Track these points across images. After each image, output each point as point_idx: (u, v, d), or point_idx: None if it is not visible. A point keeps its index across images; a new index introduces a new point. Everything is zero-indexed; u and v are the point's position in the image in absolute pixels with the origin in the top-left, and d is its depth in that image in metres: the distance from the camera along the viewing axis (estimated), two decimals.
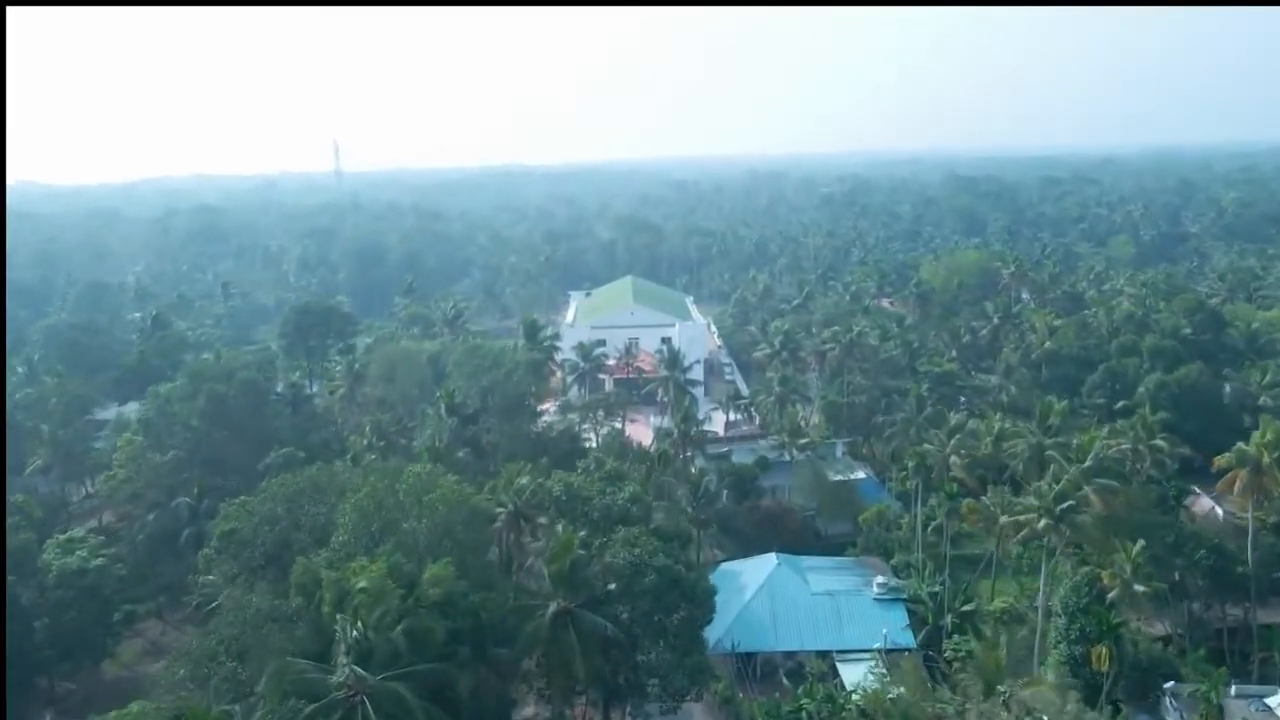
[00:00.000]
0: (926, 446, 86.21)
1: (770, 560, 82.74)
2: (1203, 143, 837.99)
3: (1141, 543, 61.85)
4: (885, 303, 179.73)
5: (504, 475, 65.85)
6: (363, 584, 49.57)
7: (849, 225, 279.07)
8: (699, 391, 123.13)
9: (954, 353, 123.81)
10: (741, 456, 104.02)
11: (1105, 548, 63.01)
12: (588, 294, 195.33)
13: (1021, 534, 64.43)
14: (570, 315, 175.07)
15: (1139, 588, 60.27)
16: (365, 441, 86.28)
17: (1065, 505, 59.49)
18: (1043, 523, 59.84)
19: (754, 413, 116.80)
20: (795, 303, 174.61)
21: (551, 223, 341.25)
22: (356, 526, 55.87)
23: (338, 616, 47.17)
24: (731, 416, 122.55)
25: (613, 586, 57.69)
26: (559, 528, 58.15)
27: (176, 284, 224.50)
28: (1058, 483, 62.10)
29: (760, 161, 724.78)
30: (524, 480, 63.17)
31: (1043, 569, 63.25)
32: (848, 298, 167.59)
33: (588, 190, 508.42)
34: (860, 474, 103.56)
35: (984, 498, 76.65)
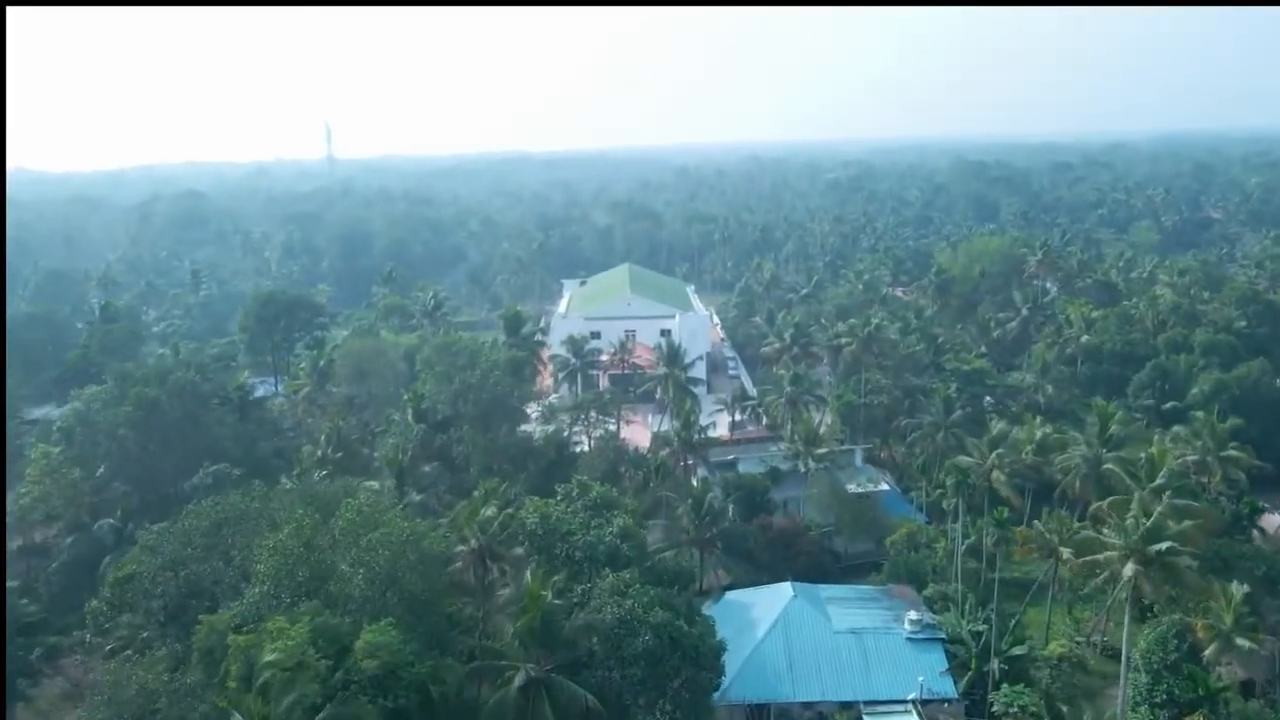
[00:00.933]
0: (963, 459, 75.03)
1: (785, 591, 71.72)
2: (1211, 129, 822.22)
3: (1245, 587, 50.71)
4: (899, 292, 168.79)
5: (468, 505, 54.63)
6: (272, 656, 38.59)
7: (857, 211, 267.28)
8: (701, 390, 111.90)
9: (983, 348, 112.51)
10: (749, 465, 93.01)
11: (1200, 591, 51.77)
12: (582, 283, 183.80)
13: (1100, 578, 53.02)
14: (563, 306, 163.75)
15: (1242, 642, 49.14)
16: (319, 453, 75.18)
17: (1162, 547, 47.92)
18: (1130, 567, 48.46)
19: (763, 413, 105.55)
20: (804, 292, 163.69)
21: (547, 208, 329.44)
22: (278, 574, 44.68)
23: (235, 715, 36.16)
24: (737, 417, 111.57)
25: (596, 643, 46.72)
26: (528, 572, 47.05)
27: (151, 272, 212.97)
28: (1147, 516, 50.53)
29: (762, 148, 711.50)
30: (490, 511, 51.95)
31: (1125, 626, 51.60)
32: (860, 287, 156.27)
33: (587, 176, 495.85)
34: (883, 485, 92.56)
35: (1038, 523, 65.50)
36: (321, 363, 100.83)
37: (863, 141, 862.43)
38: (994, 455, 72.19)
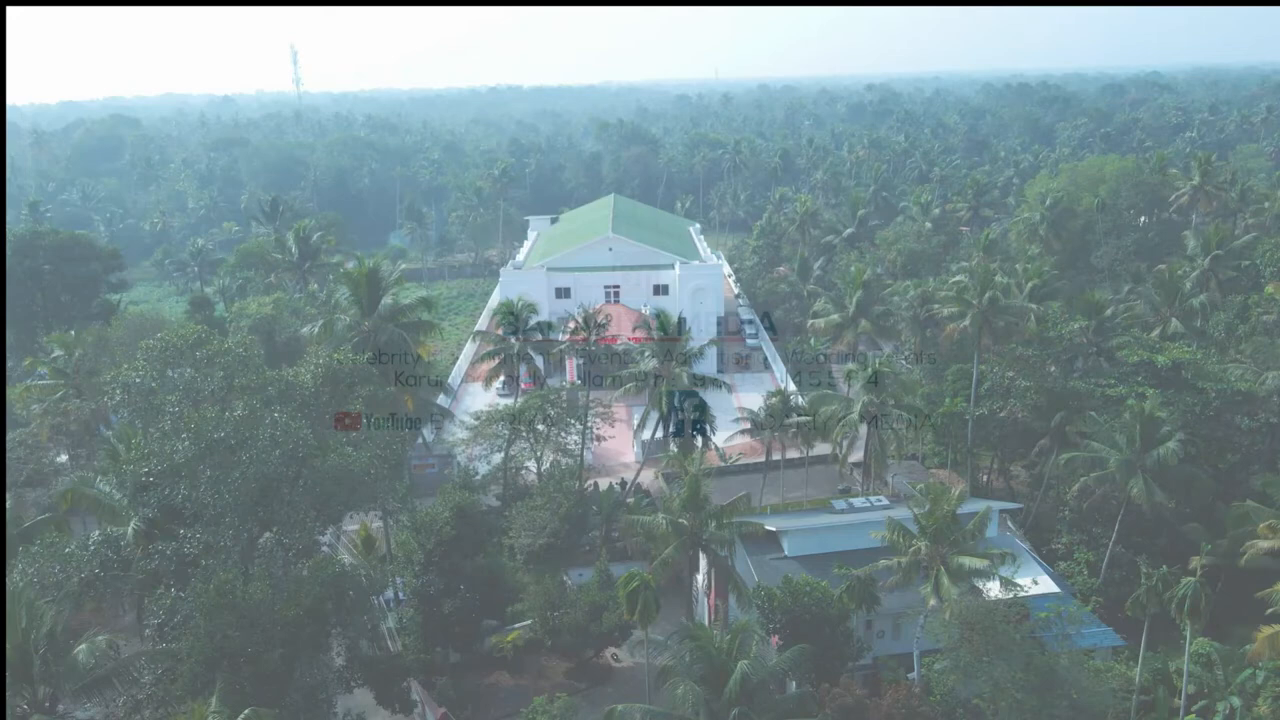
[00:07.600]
0: None
1: None
2: (1236, 64, 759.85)
3: None
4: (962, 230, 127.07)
5: None
6: None
7: (897, 134, 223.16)
8: (719, 393, 70.27)
9: (1174, 322, 70.65)
10: (803, 543, 52.26)
11: None
12: (554, 220, 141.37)
13: None
14: (523, 253, 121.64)
15: None
16: None
17: None
18: None
19: (815, 433, 64.17)
20: (847, 232, 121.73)
21: (532, 137, 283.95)
22: None
23: None
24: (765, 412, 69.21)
25: None
26: None
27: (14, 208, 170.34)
28: None
29: (770, 80, 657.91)
30: None
31: None
32: (928, 225, 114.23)
33: (578, 107, 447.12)
34: (1042, 575, 52.01)
35: None
36: (77, 354, 59.43)
37: (868, 76, 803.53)
38: None
